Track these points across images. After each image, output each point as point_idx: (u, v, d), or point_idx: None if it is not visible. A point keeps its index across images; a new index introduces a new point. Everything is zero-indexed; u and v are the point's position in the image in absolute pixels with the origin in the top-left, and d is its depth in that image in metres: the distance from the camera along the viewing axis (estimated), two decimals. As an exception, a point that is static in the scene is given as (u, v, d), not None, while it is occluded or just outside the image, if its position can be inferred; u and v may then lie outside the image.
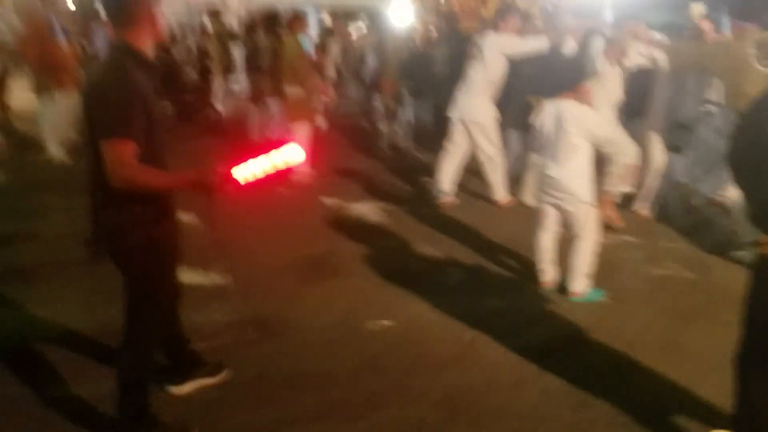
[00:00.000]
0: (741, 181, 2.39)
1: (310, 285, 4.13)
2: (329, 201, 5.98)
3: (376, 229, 5.28)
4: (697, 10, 7.23)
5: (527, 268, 4.32)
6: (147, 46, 2.25)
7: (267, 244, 4.81)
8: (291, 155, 2.33)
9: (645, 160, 5.66)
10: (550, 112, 3.94)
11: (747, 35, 4.43)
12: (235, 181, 2.23)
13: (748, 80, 4.40)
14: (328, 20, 15.36)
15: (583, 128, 3.80)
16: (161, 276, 2.39)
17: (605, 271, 4.23)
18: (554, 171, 3.90)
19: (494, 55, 5.53)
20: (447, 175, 5.98)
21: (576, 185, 3.86)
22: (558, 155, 3.88)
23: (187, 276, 4.02)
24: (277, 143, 2.34)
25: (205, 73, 9.87)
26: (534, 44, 5.57)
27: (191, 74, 9.69)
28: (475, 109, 5.67)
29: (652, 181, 5.62)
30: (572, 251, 3.96)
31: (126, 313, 2.42)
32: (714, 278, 4.37)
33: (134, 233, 2.25)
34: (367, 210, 5.76)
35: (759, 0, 5.04)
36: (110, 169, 2.10)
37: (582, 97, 3.92)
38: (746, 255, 4.46)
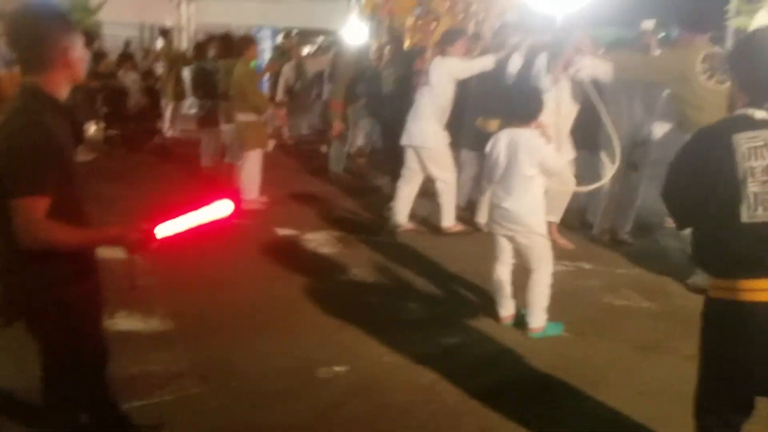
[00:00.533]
0: (682, 218, 2.31)
1: (261, 327, 3.90)
2: (283, 231, 5.79)
3: (332, 262, 5.09)
4: (647, 25, 7.33)
5: (486, 301, 4.20)
6: (62, 91, 2.04)
7: (214, 282, 4.52)
8: (219, 211, 2.15)
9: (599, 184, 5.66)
10: (504, 142, 3.84)
11: (696, 48, 4.42)
12: (158, 237, 2.05)
13: (695, 93, 4.39)
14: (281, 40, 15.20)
15: (537, 159, 3.71)
16: (79, 340, 2.16)
17: (564, 303, 4.14)
18: (507, 202, 3.81)
19: (442, 81, 5.49)
20: (404, 202, 5.86)
21: (529, 217, 3.78)
22: (511, 186, 3.79)
23: (123, 323, 3.79)
24: (208, 198, 2.15)
25: (154, 98, 9.57)
26: (481, 64, 5.55)
27: (140, 99, 9.36)
28: (425, 135, 5.58)
29: (608, 205, 5.58)
30: (529, 285, 3.86)
31: (42, 380, 2.19)
32: (673, 307, 4.33)
33: (46, 294, 2.02)
34: (322, 240, 5.58)
35: (708, 12, 5.06)
36: (20, 228, 1.88)
37: (537, 128, 3.84)
38: (703, 281, 4.44)
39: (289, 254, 5.21)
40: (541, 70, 4.99)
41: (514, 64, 5.42)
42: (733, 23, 26.03)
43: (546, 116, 4.97)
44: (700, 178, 2.07)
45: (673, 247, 5.42)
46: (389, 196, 6.90)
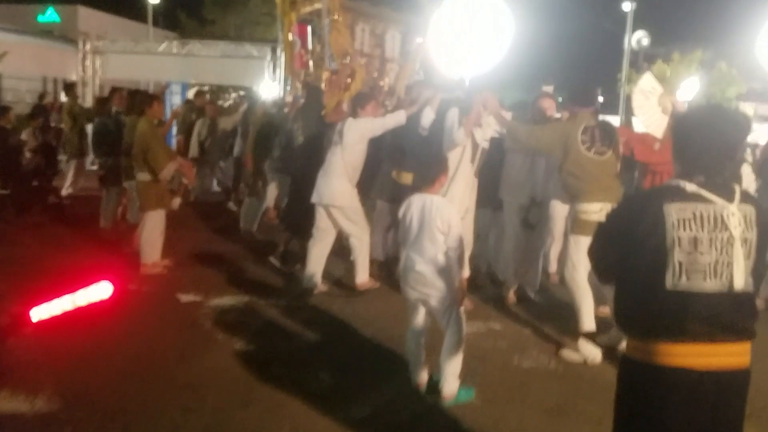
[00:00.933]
0: (605, 276, 2.38)
1: (158, 407, 3.63)
2: (186, 298, 5.51)
3: (237, 330, 4.84)
4: (547, 89, 7.68)
5: (400, 366, 4.10)
6: None
7: (107, 357, 4.18)
8: (97, 294, 2.01)
9: (503, 241, 5.79)
10: (416, 206, 3.87)
11: (579, 120, 4.65)
12: (31, 322, 1.88)
13: (575, 163, 4.57)
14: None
15: (446, 223, 3.73)
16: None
17: (475, 366, 4.13)
18: (420, 266, 3.80)
19: (355, 141, 5.52)
20: (315, 263, 5.76)
21: (441, 280, 3.77)
22: (423, 250, 3.79)
23: (6, 404, 3.45)
24: (86, 280, 2.00)
25: (50, 155, 9.08)
26: (393, 121, 5.63)
27: (35, 157, 8.86)
28: (335, 193, 5.55)
29: (513, 263, 5.69)
30: (443, 349, 3.82)
31: None
32: (579, 367, 4.40)
33: None
34: (228, 306, 5.35)
35: (594, 86, 5.38)
36: None
37: (442, 188, 3.91)
38: (608, 340, 4.57)
39: (192, 324, 4.92)
40: (453, 124, 5.10)
41: (427, 118, 5.53)
42: (625, 90, 28.08)
43: (460, 168, 5.12)
44: (629, 241, 2.14)
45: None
46: (300, 256, 6.81)
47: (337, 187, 5.55)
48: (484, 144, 5.34)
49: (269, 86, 18.27)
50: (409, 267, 3.87)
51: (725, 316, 2.05)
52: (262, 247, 7.20)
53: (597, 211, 4.40)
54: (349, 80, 9.39)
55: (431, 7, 9.68)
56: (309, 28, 10.50)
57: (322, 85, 9.37)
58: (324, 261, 5.80)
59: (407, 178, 5.70)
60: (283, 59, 18.71)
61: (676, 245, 2.04)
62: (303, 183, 6.42)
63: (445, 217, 3.72)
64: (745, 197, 2.15)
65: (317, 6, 9.73)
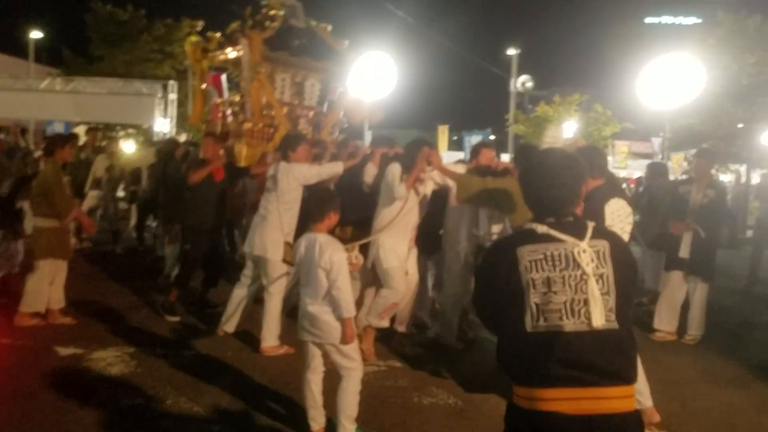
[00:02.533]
0: (486, 323, 2.38)
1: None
2: (66, 351, 5.10)
3: (122, 384, 4.54)
4: (442, 129, 7.89)
5: (297, 412, 3.98)
6: None
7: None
8: None
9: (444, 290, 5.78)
10: (303, 246, 3.81)
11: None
12: None
13: (525, 218, 4.68)
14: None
15: (328, 260, 3.68)
16: None
17: (375, 406, 4.09)
18: (312, 307, 3.73)
19: (291, 187, 5.31)
20: (233, 307, 5.54)
21: (329, 320, 3.70)
22: (315, 291, 3.72)
23: None
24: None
25: None
26: (329, 170, 5.53)
27: None
28: (266, 245, 5.29)
29: (454, 312, 5.68)
30: (338, 393, 3.74)
31: None
32: (478, 402, 4.44)
33: None
34: (113, 358, 5.00)
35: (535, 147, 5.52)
36: None
37: (330, 227, 3.87)
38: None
39: (71, 380, 4.55)
40: (395, 179, 5.08)
41: (369, 174, 5.49)
42: (513, 129, 29.66)
43: (404, 221, 5.11)
44: (493, 288, 2.17)
45: (483, 338, 5.68)
46: (198, 301, 6.54)
47: (268, 239, 5.30)
48: (425, 197, 5.36)
49: (160, 124, 17.78)
50: (302, 308, 3.79)
51: (588, 356, 2.02)
52: (155, 291, 6.86)
53: None
54: (272, 131, 9.27)
55: (350, 55, 9.86)
56: (223, 77, 10.28)
57: (245, 136, 9.18)
58: (242, 309, 5.57)
59: (347, 232, 5.60)
60: (172, 97, 18.36)
61: (530, 287, 2.06)
62: (197, 226, 6.23)
63: (327, 255, 3.66)
64: (598, 233, 2.16)
65: (232, 55, 9.57)
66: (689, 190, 6.13)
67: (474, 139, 32.60)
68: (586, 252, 2.08)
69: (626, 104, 21.15)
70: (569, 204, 2.20)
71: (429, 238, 5.64)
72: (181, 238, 6.61)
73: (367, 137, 9.21)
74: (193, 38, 10.05)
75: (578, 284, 2.06)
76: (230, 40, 9.57)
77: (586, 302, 2.05)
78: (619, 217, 3.67)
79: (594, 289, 2.05)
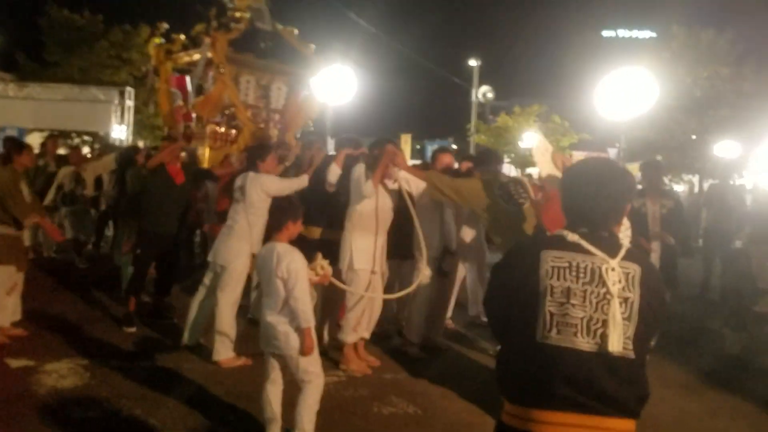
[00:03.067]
0: (495, 328, 2.23)
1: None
2: (17, 363, 4.95)
3: (77, 397, 4.41)
4: (405, 137, 7.96)
5: (255, 427, 3.93)
6: None
7: None
8: None
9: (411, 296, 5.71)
10: (263, 256, 3.77)
11: (492, 176, 4.80)
12: None
13: (502, 215, 4.74)
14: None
15: (286, 269, 3.65)
16: None
17: (333, 416, 4.07)
18: (269, 317, 3.69)
19: (259, 198, 5.22)
20: (192, 320, 5.43)
21: (287, 330, 3.66)
22: (271, 300, 3.69)
23: None
24: None
25: None
26: (297, 184, 5.47)
27: None
28: (231, 254, 5.19)
29: (420, 317, 5.67)
30: (297, 404, 3.70)
31: None
32: (437, 411, 4.45)
33: None
34: (66, 370, 4.85)
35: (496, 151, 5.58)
36: None
37: (291, 236, 3.84)
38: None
39: (21, 393, 4.40)
40: (360, 178, 5.07)
41: (334, 174, 5.47)
42: (474, 139, 29.97)
43: (376, 220, 5.12)
44: (508, 289, 2.04)
45: (446, 346, 5.70)
46: (152, 311, 6.40)
47: (233, 248, 5.20)
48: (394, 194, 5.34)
49: (117, 131, 17.45)
50: (262, 319, 3.76)
51: (597, 381, 1.88)
52: (115, 302, 6.70)
53: None
54: (235, 133, 9.17)
55: (316, 60, 9.85)
56: (188, 79, 10.15)
57: (208, 138, 9.05)
58: (205, 318, 5.44)
59: (315, 232, 5.60)
60: (129, 103, 18.04)
61: (548, 294, 1.92)
62: (153, 232, 6.12)
63: (284, 264, 3.63)
64: (632, 256, 2.00)
65: (196, 57, 9.44)
66: (644, 202, 6.11)
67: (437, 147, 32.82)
68: (615, 271, 1.94)
69: (583, 115, 21.65)
70: (610, 219, 2.06)
71: (400, 243, 5.64)
72: (135, 242, 6.47)
73: (330, 144, 9.19)
74: (157, 40, 9.92)
75: (600, 303, 1.92)
76: (195, 43, 9.50)
77: (604, 323, 1.90)
78: (621, 230, 3.69)
79: (616, 311, 1.91)
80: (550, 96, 35.10)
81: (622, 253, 1.98)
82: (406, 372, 5.19)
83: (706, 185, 21.72)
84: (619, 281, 1.93)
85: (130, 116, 18.19)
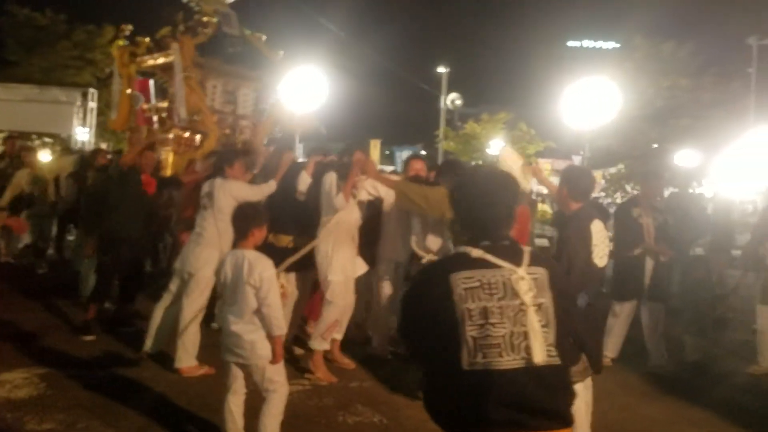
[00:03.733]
0: (414, 358, 2.19)
1: None
2: (-33, 374, 4.77)
3: (30, 409, 4.25)
4: (374, 143, 7.96)
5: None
6: None
7: None
8: None
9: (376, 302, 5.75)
10: (229, 263, 3.70)
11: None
12: None
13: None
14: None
15: (258, 277, 3.59)
16: None
17: (298, 426, 4.01)
18: (234, 326, 3.62)
19: (228, 205, 5.04)
20: (155, 326, 5.31)
21: (255, 339, 3.61)
22: (238, 308, 3.62)
23: None
24: None
25: None
26: (266, 191, 5.41)
27: None
28: (199, 261, 5.08)
29: (385, 322, 5.68)
30: (260, 414, 3.64)
31: None
32: (403, 420, 4.43)
33: None
34: (20, 381, 4.70)
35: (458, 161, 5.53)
36: None
37: (257, 243, 3.78)
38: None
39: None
40: (332, 188, 5.04)
41: (304, 182, 5.42)
42: (443, 146, 30.17)
43: (347, 229, 5.11)
44: (423, 319, 1.96)
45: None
46: (114, 319, 6.24)
47: (202, 255, 5.09)
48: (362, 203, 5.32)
49: (80, 133, 17.08)
50: (226, 328, 3.68)
51: (529, 396, 1.84)
52: (74, 310, 6.52)
53: None
54: (200, 138, 9.02)
55: (285, 66, 9.74)
56: (151, 83, 9.98)
57: (171, 143, 8.87)
58: (165, 328, 5.31)
59: (284, 240, 5.53)
60: (92, 105, 17.69)
61: (466, 319, 1.85)
62: (115, 237, 5.98)
63: (256, 271, 3.58)
64: (536, 259, 1.98)
65: (161, 60, 9.28)
66: (640, 213, 5.96)
67: (405, 154, 32.94)
68: (525, 279, 1.91)
69: (549, 123, 21.94)
70: (504, 225, 2.03)
71: (366, 250, 5.61)
72: (99, 249, 6.31)
73: (299, 149, 9.13)
74: (121, 42, 9.73)
75: (517, 315, 1.87)
76: (159, 46, 9.34)
77: (525, 335, 1.86)
78: (601, 238, 3.68)
79: (534, 321, 1.87)
80: (518, 104, 35.50)
81: (527, 258, 1.96)
82: (372, 380, 5.16)
83: (666, 193, 22.25)
84: (530, 289, 1.90)
85: (93, 118, 17.83)
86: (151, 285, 6.88)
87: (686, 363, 6.28)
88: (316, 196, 5.32)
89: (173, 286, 5.34)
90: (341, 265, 5.12)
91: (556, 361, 1.88)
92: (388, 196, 5.34)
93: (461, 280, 1.89)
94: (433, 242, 5.78)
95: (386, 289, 5.64)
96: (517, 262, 1.94)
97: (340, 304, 5.11)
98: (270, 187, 5.47)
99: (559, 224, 6.79)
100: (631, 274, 5.92)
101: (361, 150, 5.30)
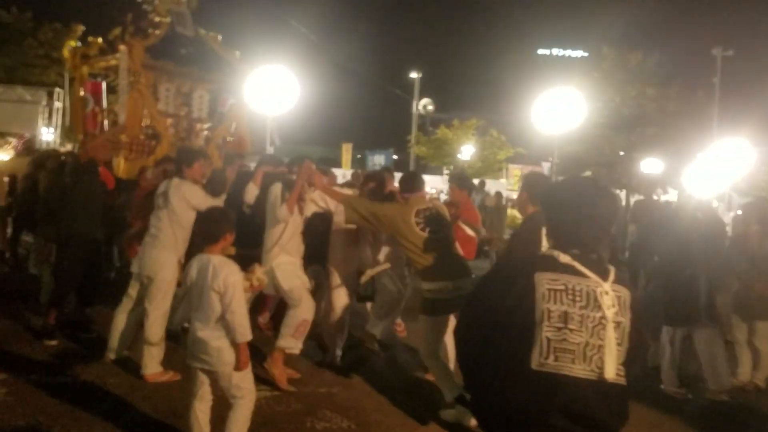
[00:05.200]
0: (469, 362, 2.10)
1: None
2: None
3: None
4: (346, 147, 7.94)
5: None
6: None
7: None
8: None
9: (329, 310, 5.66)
10: (195, 268, 3.66)
11: (412, 204, 4.71)
12: None
13: (410, 241, 4.59)
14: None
15: (222, 282, 3.55)
16: None
17: (264, 432, 3.96)
18: (200, 332, 3.58)
19: (183, 207, 5.04)
20: (118, 332, 5.22)
21: (221, 345, 3.56)
22: (203, 314, 3.58)
23: None
24: None
25: None
26: (214, 203, 5.21)
27: None
28: (157, 265, 5.00)
29: (341, 327, 5.63)
30: (227, 422, 3.60)
31: None
32: (371, 425, 4.43)
33: None
34: (-22, 387, 4.58)
35: (418, 174, 5.47)
36: None
37: (225, 248, 3.74)
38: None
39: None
40: (276, 200, 4.98)
41: (251, 194, 5.37)
42: (414, 150, 30.32)
43: (293, 241, 5.07)
44: (494, 314, 1.92)
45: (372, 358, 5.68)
46: (73, 323, 6.11)
47: (158, 258, 5.01)
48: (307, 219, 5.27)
49: (44, 133, 16.75)
50: (192, 334, 3.64)
51: (591, 408, 1.81)
52: (26, 316, 6.37)
53: (437, 289, 4.45)
54: (153, 143, 8.85)
55: (242, 67, 9.61)
56: (104, 85, 9.76)
57: (123, 148, 8.70)
58: (131, 333, 5.23)
59: (230, 250, 5.45)
60: (58, 105, 17.36)
61: (545, 319, 1.83)
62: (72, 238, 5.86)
63: (221, 277, 3.54)
64: (620, 279, 1.96)
65: (113, 62, 9.08)
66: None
67: (377, 158, 33.01)
68: (609, 295, 1.88)
69: (519, 130, 22.23)
70: (597, 239, 1.98)
71: (317, 250, 5.55)
72: (57, 251, 6.16)
73: (270, 152, 9.05)
74: (73, 43, 9.53)
75: (596, 328, 1.84)
76: (112, 47, 9.16)
77: (600, 349, 1.83)
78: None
79: (611, 336, 1.84)
80: (488, 110, 35.87)
81: (612, 275, 1.93)
82: (339, 386, 5.14)
83: (632, 200, 22.65)
84: (613, 305, 1.87)
85: (58, 118, 17.50)
86: (106, 289, 6.74)
87: (649, 367, 6.36)
88: (262, 207, 5.23)
89: (132, 291, 5.24)
90: (294, 271, 5.09)
91: (623, 381, 1.87)
92: (337, 208, 5.27)
93: (546, 280, 1.87)
94: (385, 255, 5.75)
95: (339, 300, 5.54)
96: (604, 276, 1.91)
97: (307, 306, 5.06)
98: (219, 201, 5.30)
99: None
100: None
101: (312, 162, 5.21)
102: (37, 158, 8.22)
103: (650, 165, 19.95)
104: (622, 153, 24.34)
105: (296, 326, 5.04)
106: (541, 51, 66.51)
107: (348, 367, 5.54)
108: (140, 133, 8.69)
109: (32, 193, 7.95)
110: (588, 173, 23.66)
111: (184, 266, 4.89)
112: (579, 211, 1.96)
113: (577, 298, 1.84)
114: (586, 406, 1.80)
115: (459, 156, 27.13)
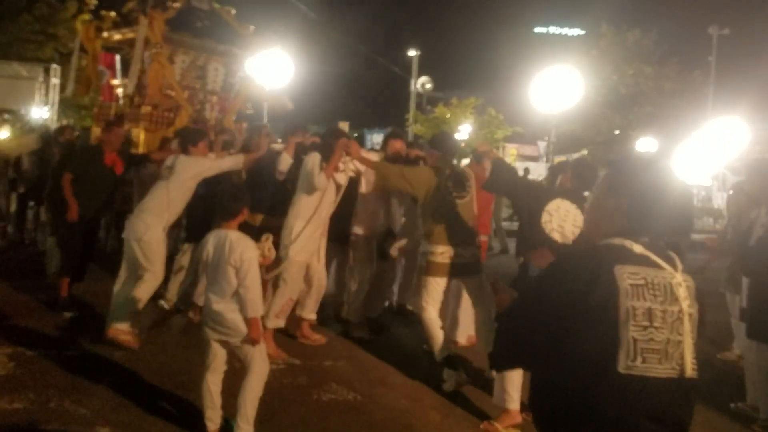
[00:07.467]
0: (504, 362, 2.06)
1: None
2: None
3: (1, 386, 4.23)
4: (343, 125, 8.00)
5: (191, 415, 3.88)
6: None
7: None
8: None
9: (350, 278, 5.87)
10: (211, 243, 3.72)
11: (442, 165, 4.79)
12: None
13: (435, 206, 4.69)
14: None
15: (239, 257, 3.61)
16: None
17: (273, 405, 4.05)
18: (216, 305, 3.65)
19: (186, 178, 5.23)
20: (119, 304, 5.22)
21: (237, 318, 3.64)
22: (219, 287, 3.65)
23: None
24: None
25: None
26: (229, 164, 5.52)
27: None
28: (141, 227, 5.12)
29: (360, 298, 5.79)
30: (241, 392, 3.68)
31: None
32: (377, 397, 4.52)
33: None
34: (-12, 359, 4.65)
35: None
36: None
37: (239, 223, 3.81)
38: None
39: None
40: (314, 168, 5.05)
41: (285, 162, 5.44)
42: (412, 129, 30.25)
43: (321, 212, 5.16)
44: (564, 309, 1.72)
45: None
46: (88, 302, 6.18)
47: (145, 222, 5.13)
48: (341, 187, 5.35)
49: (40, 110, 16.63)
50: (207, 306, 3.71)
51: (676, 411, 1.71)
52: (38, 287, 6.43)
53: (441, 252, 4.59)
54: (172, 115, 8.88)
55: (255, 40, 9.60)
56: (117, 58, 9.79)
57: (143, 120, 8.73)
58: (131, 303, 5.23)
59: (258, 219, 5.60)
60: (55, 81, 17.22)
61: (630, 317, 1.68)
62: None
63: (238, 252, 3.61)
64: (684, 268, 1.82)
65: (129, 35, 9.08)
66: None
67: (375, 137, 32.96)
68: (682, 286, 1.76)
69: (516, 109, 22.20)
70: (668, 228, 1.83)
71: (341, 226, 5.68)
72: (59, 222, 6.23)
73: (269, 125, 9.10)
74: (86, 16, 9.51)
75: (675, 323, 1.72)
76: (126, 20, 9.15)
77: (679, 345, 1.72)
78: (563, 215, 3.93)
79: (688, 331, 1.73)
80: (486, 89, 35.71)
81: (679, 264, 1.79)
82: (345, 358, 5.23)
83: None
84: (687, 296, 1.76)
85: (55, 95, 17.37)
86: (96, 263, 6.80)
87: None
88: (294, 176, 5.34)
89: (125, 258, 5.31)
90: (303, 246, 5.14)
91: (696, 375, 1.76)
92: (368, 174, 5.42)
93: (627, 275, 1.71)
94: (409, 221, 5.87)
95: (362, 266, 5.72)
96: (674, 266, 1.78)
97: (293, 285, 5.19)
98: (235, 160, 5.56)
99: None
100: None
101: (345, 135, 5.34)
102: (44, 133, 8.23)
103: (646, 144, 20.00)
104: (617, 132, 24.39)
105: (282, 306, 5.20)
106: (538, 29, 66.03)
107: (354, 340, 5.65)
108: (161, 104, 8.72)
109: (41, 169, 7.98)
110: (584, 152, 23.74)
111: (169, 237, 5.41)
112: (657, 195, 1.80)
113: (657, 293, 1.72)
114: (670, 406, 1.71)
115: (457, 135, 27.10)
